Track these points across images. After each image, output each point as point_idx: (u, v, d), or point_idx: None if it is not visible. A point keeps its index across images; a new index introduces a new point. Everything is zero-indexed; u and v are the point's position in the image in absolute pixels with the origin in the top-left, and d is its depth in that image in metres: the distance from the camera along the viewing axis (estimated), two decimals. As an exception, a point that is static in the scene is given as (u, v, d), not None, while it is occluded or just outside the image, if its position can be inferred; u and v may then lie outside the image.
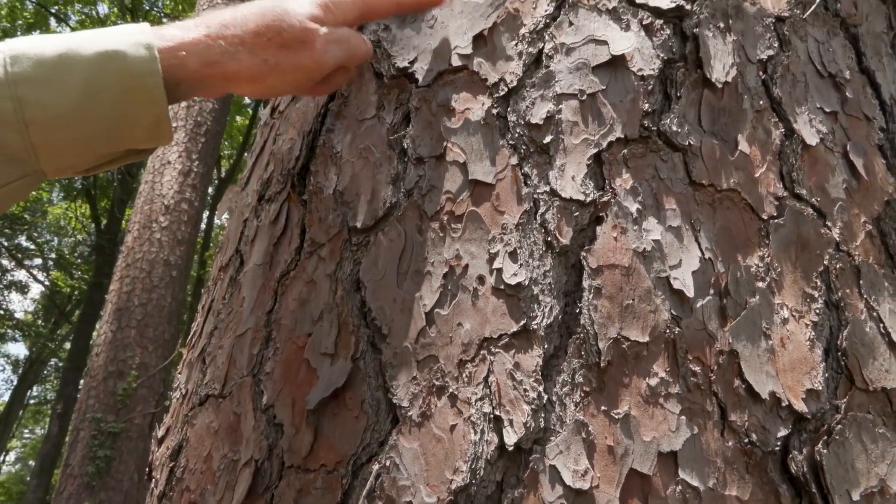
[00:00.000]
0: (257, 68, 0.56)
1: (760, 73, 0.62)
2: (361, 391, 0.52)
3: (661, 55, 0.59)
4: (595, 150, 0.56)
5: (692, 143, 0.57)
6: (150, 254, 5.90)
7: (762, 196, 0.56)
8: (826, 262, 0.55)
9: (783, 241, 0.55)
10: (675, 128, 0.57)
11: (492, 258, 0.53)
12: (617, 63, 0.59)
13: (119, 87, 0.51)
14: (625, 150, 0.56)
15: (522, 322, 0.50)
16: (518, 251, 0.53)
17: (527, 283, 0.51)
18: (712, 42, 0.61)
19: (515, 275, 0.52)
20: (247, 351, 0.62)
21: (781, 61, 0.63)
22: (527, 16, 0.63)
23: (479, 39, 0.63)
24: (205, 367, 0.67)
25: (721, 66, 0.60)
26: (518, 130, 0.58)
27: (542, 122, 0.57)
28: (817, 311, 0.53)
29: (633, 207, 0.53)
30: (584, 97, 0.58)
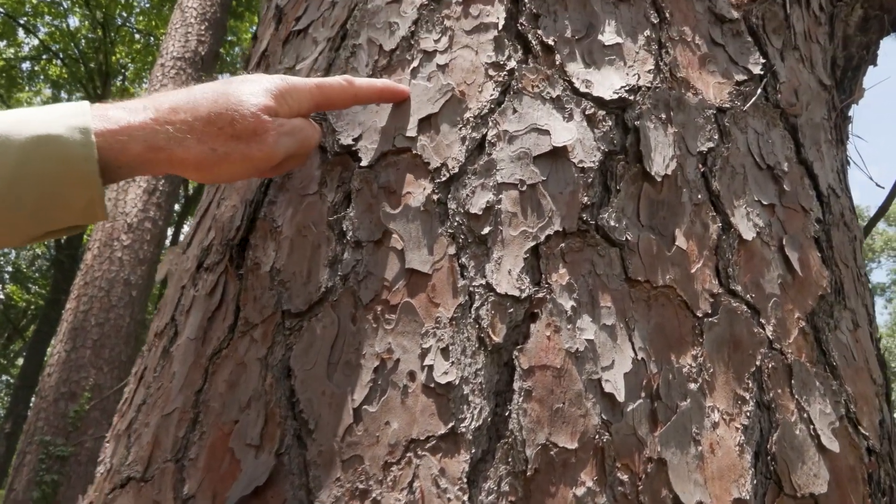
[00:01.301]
0: (205, 157, 0.54)
1: (700, 165, 0.63)
2: (284, 490, 0.50)
3: (602, 147, 0.60)
4: (533, 243, 0.55)
5: (629, 238, 0.57)
6: (109, 272, 5.77)
7: (697, 293, 0.57)
8: (758, 362, 0.56)
9: (717, 340, 0.55)
10: (612, 222, 0.57)
11: (424, 353, 0.52)
12: (558, 154, 0.59)
13: (50, 173, 0.49)
14: (562, 244, 0.56)
15: (451, 424, 0.49)
16: (450, 347, 0.52)
17: (457, 382, 0.50)
18: (653, 134, 0.62)
19: (446, 373, 0.51)
20: (172, 432, 0.60)
21: (721, 153, 0.64)
22: (472, 99, 0.63)
23: (424, 122, 0.63)
24: (130, 444, 0.65)
25: (661, 159, 0.61)
26: (457, 219, 0.57)
27: (481, 212, 0.57)
28: (748, 414, 0.53)
29: (568, 305, 0.53)
30: (525, 188, 0.58)
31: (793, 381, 0.56)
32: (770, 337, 0.57)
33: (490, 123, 0.61)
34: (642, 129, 0.61)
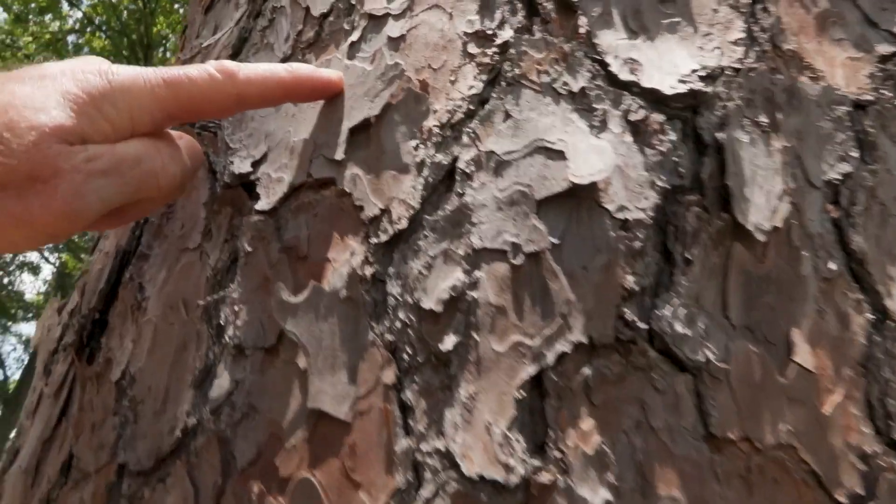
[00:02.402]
0: None
1: (828, 205, 0.37)
2: None
3: (661, 181, 0.34)
4: (534, 369, 0.30)
5: (712, 354, 0.31)
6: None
7: (837, 454, 0.31)
8: (953, 590, 0.30)
9: (875, 549, 0.30)
10: (679, 326, 0.31)
11: (323, 591, 0.28)
12: (581, 195, 0.33)
13: None
14: (588, 370, 0.30)
15: None
16: (371, 584, 0.28)
17: None
18: (748, 153, 0.36)
19: None
20: None
21: (863, 182, 0.38)
22: (439, 95, 0.38)
23: (358, 134, 0.38)
24: None
25: (763, 199, 0.35)
26: (402, 316, 0.33)
27: (442, 308, 0.32)
28: None
29: (599, 497, 0.28)
30: (520, 259, 0.32)
31: None
32: (970, 531, 0.31)
33: (465, 139, 0.36)
34: (729, 147, 0.35)
